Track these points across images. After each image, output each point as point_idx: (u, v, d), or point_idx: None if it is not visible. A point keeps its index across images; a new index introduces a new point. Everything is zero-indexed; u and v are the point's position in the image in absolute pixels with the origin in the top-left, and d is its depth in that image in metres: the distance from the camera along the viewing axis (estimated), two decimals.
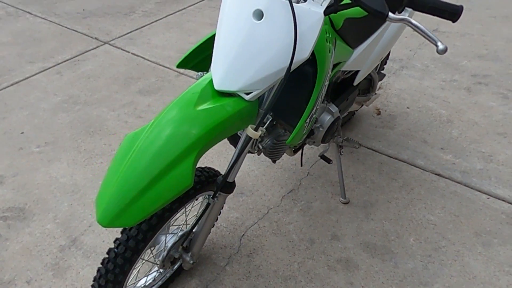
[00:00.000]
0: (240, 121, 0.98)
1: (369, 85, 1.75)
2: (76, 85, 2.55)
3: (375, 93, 1.85)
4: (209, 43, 1.17)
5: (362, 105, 1.85)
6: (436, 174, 1.81)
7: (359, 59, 1.40)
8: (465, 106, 2.18)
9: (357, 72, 1.51)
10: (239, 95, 0.98)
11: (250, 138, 1.02)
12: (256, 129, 0.98)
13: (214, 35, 1.16)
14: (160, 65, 2.73)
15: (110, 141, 2.09)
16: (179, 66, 1.17)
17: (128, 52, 2.89)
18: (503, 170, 1.81)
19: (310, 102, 1.05)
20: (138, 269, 1.42)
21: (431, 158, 1.89)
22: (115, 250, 1.03)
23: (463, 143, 1.96)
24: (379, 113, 2.17)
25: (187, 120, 0.91)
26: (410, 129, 2.06)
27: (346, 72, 1.48)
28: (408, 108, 2.21)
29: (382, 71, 2.00)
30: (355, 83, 1.51)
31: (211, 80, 0.99)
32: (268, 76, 0.94)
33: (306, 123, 1.10)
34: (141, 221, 0.91)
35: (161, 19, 3.34)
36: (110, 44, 3.00)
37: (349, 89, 1.51)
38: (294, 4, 0.91)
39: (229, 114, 0.94)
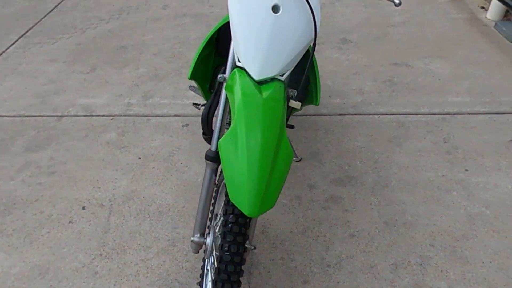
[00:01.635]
0: (284, 98, 1.16)
1: None
2: None
3: None
4: (205, 52, 1.26)
5: None
6: (338, 115, 2.31)
7: None
8: (322, 62, 2.77)
9: None
10: (274, 79, 1.15)
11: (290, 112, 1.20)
12: (295, 100, 1.18)
13: (206, 43, 1.25)
14: (27, 116, 2.38)
15: (41, 207, 1.80)
16: (191, 77, 1.22)
17: None
18: (373, 95, 2.45)
19: (316, 69, 1.30)
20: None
21: (329, 106, 2.38)
22: (230, 229, 1.05)
23: (339, 87, 2.53)
24: None
25: (266, 109, 1.03)
26: None
27: None
28: None
29: None
30: None
31: (244, 74, 1.12)
32: (297, 55, 1.14)
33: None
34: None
35: None
36: None
37: None
38: None
39: (282, 94, 1.11)
